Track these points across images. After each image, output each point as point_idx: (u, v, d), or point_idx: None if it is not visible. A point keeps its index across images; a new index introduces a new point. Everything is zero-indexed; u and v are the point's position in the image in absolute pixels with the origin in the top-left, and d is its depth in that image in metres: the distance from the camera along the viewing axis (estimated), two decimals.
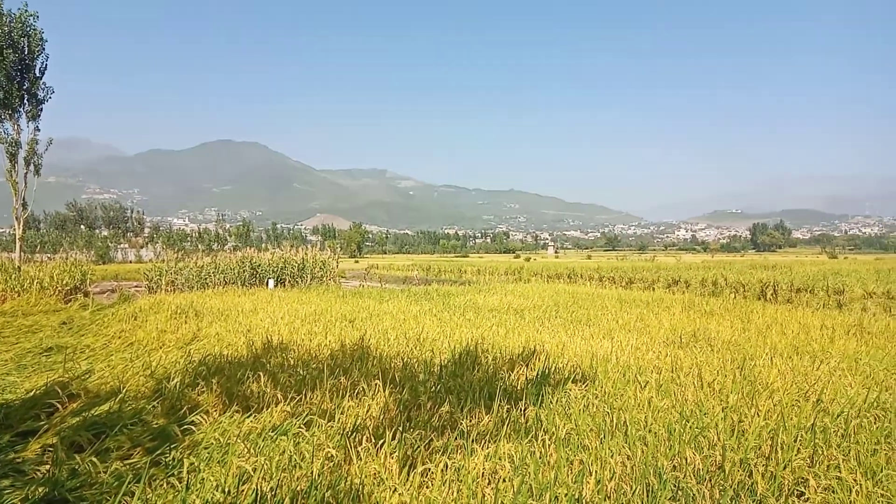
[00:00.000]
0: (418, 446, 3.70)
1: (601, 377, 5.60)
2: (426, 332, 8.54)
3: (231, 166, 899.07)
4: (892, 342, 8.53)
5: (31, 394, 5.19)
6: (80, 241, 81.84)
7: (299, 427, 4.02)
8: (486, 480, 3.31)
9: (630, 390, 5.02)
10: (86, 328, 10.16)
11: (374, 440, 3.75)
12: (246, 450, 3.62)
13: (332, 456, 3.55)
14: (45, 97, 21.25)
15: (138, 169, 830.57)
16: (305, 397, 4.90)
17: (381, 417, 4.36)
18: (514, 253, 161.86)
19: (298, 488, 3.12)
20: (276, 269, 22.81)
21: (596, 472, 3.34)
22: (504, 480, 3.26)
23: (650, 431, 3.98)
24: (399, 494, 3.11)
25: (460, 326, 9.39)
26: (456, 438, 3.87)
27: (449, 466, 3.38)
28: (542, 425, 4.17)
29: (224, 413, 4.53)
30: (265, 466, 3.33)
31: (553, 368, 5.87)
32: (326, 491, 3.07)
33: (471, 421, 4.31)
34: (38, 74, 20.91)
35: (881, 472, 3.39)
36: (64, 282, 17.03)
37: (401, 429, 3.92)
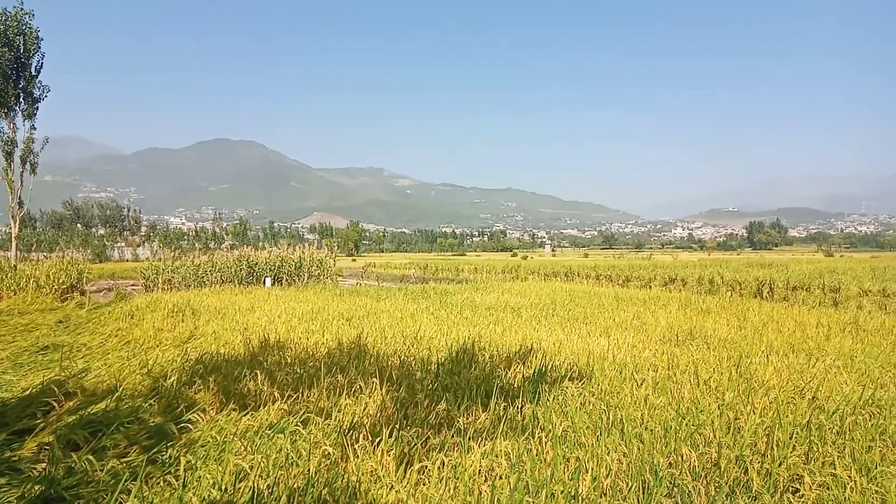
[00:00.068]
0: (415, 444, 3.70)
1: (598, 375, 5.60)
2: (423, 330, 8.53)
3: (228, 165, 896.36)
4: (888, 340, 8.57)
5: (28, 392, 5.18)
6: (77, 239, 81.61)
7: (296, 425, 4.02)
8: (483, 478, 3.32)
9: (626, 388, 5.03)
10: (82, 326, 10.13)
11: (370, 438, 3.74)
12: (243, 448, 3.62)
13: (328, 453, 3.56)
14: (41, 95, 21.20)
15: (135, 167, 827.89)
16: (302, 395, 4.89)
17: (378, 415, 4.36)
18: (511, 251, 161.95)
19: (295, 486, 3.12)
20: (273, 268, 22.77)
21: (592, 469, 3.36)
22: (500, 478, 3.26)
23: (646, 429, 4.00)
24: (396, 492, 3.11)
25: (457, 325, 9.37)
26: (453, 436, 3.88)
27: (446, 464, 3.38)
28: (538, 423, 4.18)
29: (221, 411, 4.53)
30: (262, 464, 3.33)
31: (550, 366, 5.86)
32: (323, 488, 3.08)
33: (467, 418, 4.32)
34: (33, 73, 20.84)
35: (876, 468, 3.41)
36: (60, 280, 16.98)
37: (398, 426, 3.92)
